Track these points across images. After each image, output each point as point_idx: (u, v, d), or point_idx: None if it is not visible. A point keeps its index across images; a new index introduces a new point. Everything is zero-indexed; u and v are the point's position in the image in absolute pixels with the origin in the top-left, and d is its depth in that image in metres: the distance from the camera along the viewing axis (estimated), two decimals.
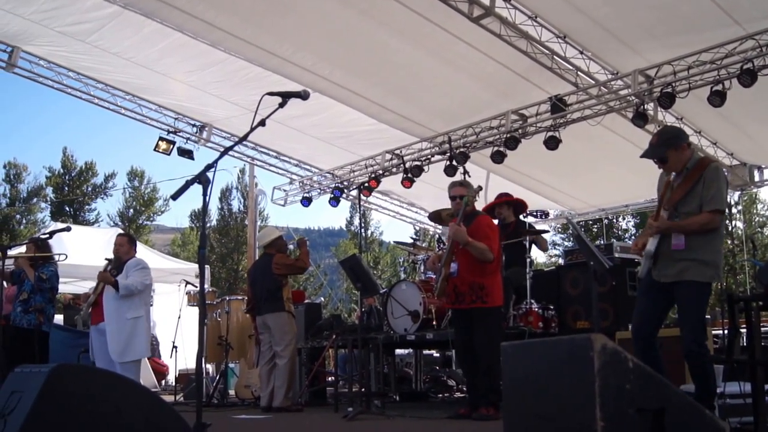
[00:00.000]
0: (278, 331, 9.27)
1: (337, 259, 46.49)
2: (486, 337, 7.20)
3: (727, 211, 5.85)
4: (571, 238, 36.04)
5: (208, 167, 4.31)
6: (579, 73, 10.87)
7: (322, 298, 25.84)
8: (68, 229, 9.54)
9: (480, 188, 7.64)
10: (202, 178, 4.25)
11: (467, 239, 7.11)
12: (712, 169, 5.40)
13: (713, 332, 9.88)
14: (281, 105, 4.71)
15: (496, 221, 9.65)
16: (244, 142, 15.26)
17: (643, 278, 5.70)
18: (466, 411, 7.37)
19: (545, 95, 11.64)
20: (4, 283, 9.20)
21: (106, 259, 9.23)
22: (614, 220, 35.97)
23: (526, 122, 12.30)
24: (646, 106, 10.80)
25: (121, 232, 11.25)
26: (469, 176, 10.96)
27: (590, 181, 15.82)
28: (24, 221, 46.41)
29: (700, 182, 5.36)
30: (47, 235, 9.34)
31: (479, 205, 8.31)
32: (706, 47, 9.89)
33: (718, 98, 9.97)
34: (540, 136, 12.10)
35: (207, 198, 4.28)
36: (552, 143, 11.84)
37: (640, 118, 10.75)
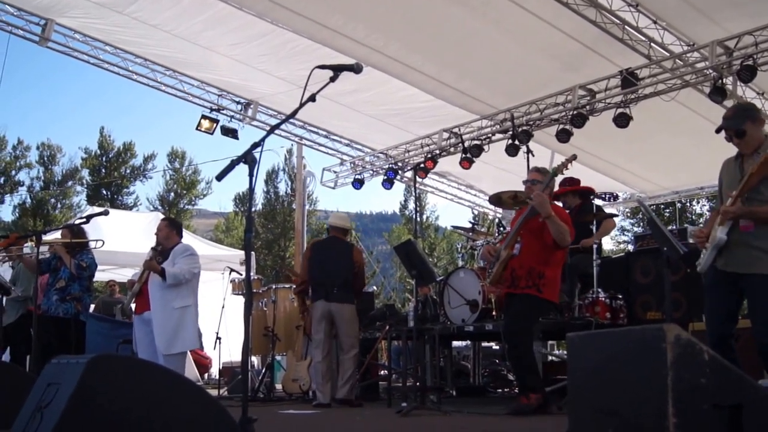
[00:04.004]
0: (347, 324, 9.32)
1: (390, 245, 46.69)
2: (524, 324, 7.20)
3: None
4: (641, 224, 35.68)
5: (255, 146, 4.34)
6: (652, 44, 10.76)
7: (375, 287, 25.87)
8: (106, 213, 9.68)
9: (574, 156, 7.40)
10: (249, 158, 4.28)
11: (550, 212, 6.92)
12: None
13: None
14: (332, 79, 4.72)
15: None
16: (292, 121, 15.35)
17: (706, 273, 5.64)
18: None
19: (615, 69, 11.53)
20: None
21: (152, 248, 9.30)
22: (687, 204, 35.51)
23: (595, 98, 12.21)
24: (724, 80, 10.65)
25: (156, 217, 11.34)
26: (533, 156, 10.94)
27: (662, 162, 15.65)
28: (59, 205, 47.12)
29: None
30: (84, 220, 9.45)
31: None
32: None
33: None
34: (609, 112, 12.00)
35: (254, 179, 4.31)
36: (622, 121, 11.73)
37: (718, 93, 10.60)
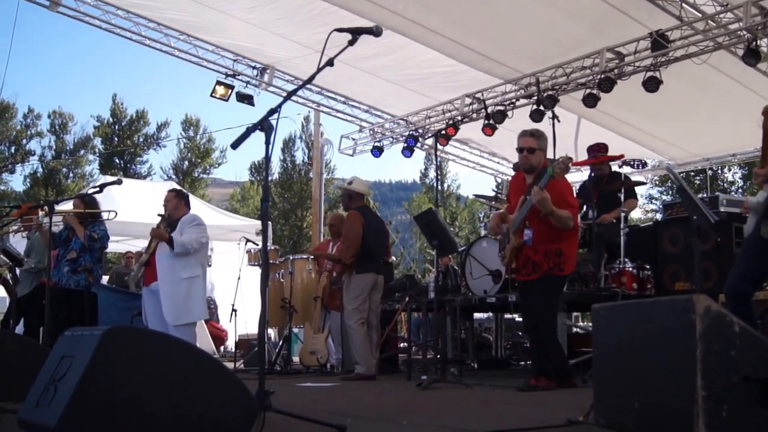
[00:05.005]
0: (380, 296, 9.60)
1: (411, 214, 46.73)
2: (547, 306, 7.19)
3: None
4: (670, 192, 35.53)
5: (271, 112, 4.34)
6: (683, 4, 10.63)
7: (394, 258, 25.95)
8: (119, 182, 9.69)
9: (570, 159, 7.33)
10: (265, 125, 4.29)
11: (552, 208, 6.84)
12: None
13: None
14: (351, 42, 4.71)
15: (587, 173, 9.57)
16: (309, 86, 15.31)
17: (748, 234, 5.70)
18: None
19: (645, 31, 11.40)
20: None
21: (159, 214, 9.38)
22: (719, 172, 35.29)
23: (623, 61, 12.10)
24: (758, 41, 10.53)
25: (171, 187, 11.37)
26: (558, 121, 10.89)
27: (693, 128, 15.52)
28: (71, 175, 47.40)
29: None
30: (97, 189, 9.47)
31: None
32: None
33: None
34: (638, 76, 11.89)
35: (270, 147, 4.32)
36: (652, 85, 11.62)
37: (752, 56, 10.49)
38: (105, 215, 9.85)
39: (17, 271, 9.95)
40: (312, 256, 11.61)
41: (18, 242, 11.32)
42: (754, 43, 10.48)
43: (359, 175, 9.85)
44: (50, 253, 8.73)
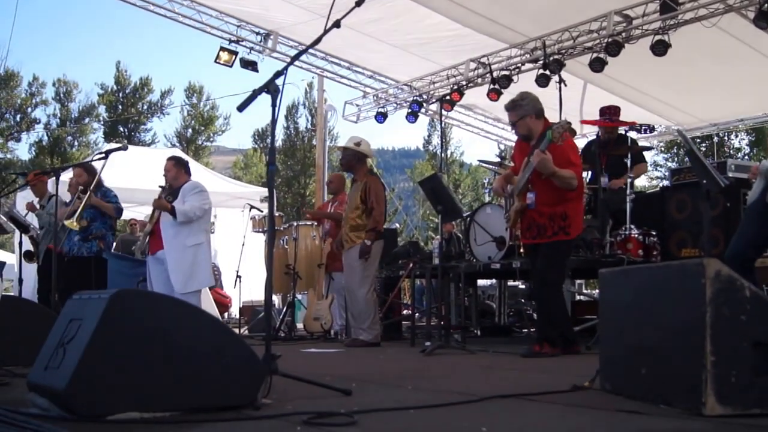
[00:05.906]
0: None
1: (413, 182, 46.72)
2: (553, 272, 7.16)
3: None
4: (676, 159, 35.45)
5: (278, 74, 4.33)
6: None
7: (397, 225, 25.94)
8: (125, 147, 9.66)
9: (569, 123, 7.24)
10: (271, 87, 4.27)
11: (554, 169, 6.79)
12: None
13: None
14: (358, 3, 4.68)
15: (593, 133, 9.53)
16: (313, 51, 15.28)
17: (753, 201, 5.73)
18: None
19: None
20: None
21: (160, 186, 9.42)
22: (725, 138, 35.17)
23: (631, 24, 12.02)
24: None
25: (170, 155, 11.32)
26: (565, 85, 10.82)
27: (702, 92, 15.44)
28: (76, 143, 47.48)
29: None
30: (103, 155, 9.46)
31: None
32: None
33: None
34: (646, 40, 11.82)
35: (276, 109, 4.30)
36: (660, 48, 11.55)
37: (763, 19, 10.38)
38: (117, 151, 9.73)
39: (22, 237, 10.00)
40: (315, 222, 11.62)
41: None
42: (766, 5, 10.36)
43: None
44: (56, 218, 8.73)
